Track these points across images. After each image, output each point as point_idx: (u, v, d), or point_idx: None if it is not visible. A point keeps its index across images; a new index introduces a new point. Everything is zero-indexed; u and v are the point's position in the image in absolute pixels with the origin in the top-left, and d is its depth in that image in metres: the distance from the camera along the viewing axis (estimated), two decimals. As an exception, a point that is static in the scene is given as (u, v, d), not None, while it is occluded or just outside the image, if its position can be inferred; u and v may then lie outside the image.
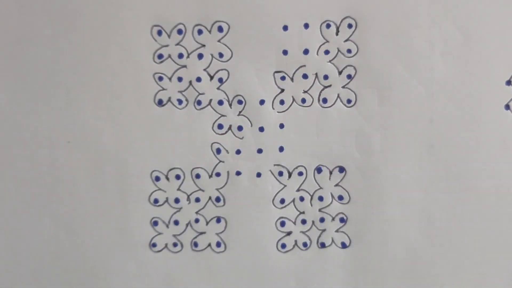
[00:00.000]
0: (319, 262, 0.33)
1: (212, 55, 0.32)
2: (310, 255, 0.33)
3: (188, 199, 0.33)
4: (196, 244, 0.33)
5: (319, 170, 0.33)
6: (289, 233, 0.33)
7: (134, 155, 0.32)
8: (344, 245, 0.33)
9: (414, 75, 0.32)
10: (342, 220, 0.33)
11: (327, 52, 0.32)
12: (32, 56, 0.32)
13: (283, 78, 0.32)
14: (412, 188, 0.33)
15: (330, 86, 0.32)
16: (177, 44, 0.32)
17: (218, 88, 0.32)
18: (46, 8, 0.31)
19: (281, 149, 0.33)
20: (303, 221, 0.33)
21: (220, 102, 0.32)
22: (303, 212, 0.33)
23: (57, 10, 0.31)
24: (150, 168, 0.32)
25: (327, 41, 0.32)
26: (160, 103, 0.32)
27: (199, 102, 0.32)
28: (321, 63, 0.32)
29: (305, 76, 0.32)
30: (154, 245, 0.33)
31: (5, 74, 0.32)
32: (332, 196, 0.33)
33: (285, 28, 0.31)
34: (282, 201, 0.33)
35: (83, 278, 0.33)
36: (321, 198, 0.33)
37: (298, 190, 0.33)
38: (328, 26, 0.31)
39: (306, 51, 0.32)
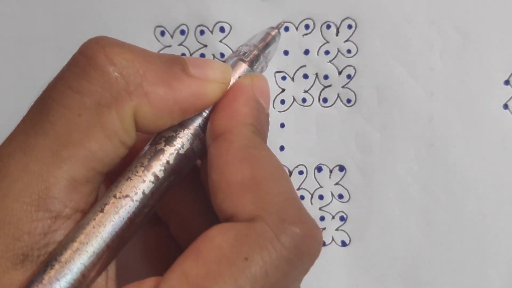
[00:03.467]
0: (319, 261, 0.33)
1: (213, 55, 0.32)
2: (310, 253, 0.34)
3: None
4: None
5: (319, 169, 0.33)
6: (289, 231, 0.33)
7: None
8: (344, 244, 0.34)
9: (413, 75, 0.32)
10: (342, 218, 0.34)
11: (327, 52, 0.32)
12: (36, 57, 0.32)
13: (283, 78, 0.32)
14: (411, 186, 0.33)
15: (330, 86, 0.32)
16: (180, 44, 0.32)
17: (219, 88, 0.32)
18: (49, 9, 0.31)
19: (282, 148, 0.33)
20: (304, 220, 0.33)
21: (222, 102, 0.32)
22: (304, 211, 0.33)
23: (60, 11, 0.31)
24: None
25: (327, 42, 0.32)
26: (162, 102, 0.32)
27: (201, 102, 0.32)
28: (321, 63, 0.32)
29: (305, 76, 0.32)
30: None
31: (8, 75, 0.32)
32: (332, 195, 0.33)
33: (286, 29, 0.32)
34: (283, 199, 0.33)
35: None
36: (321, 197, 0.33)
37: (298, 188, 0.33)
38: (328, 27, 0.32)
39: (306, 52, 0.32)
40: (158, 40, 0.32)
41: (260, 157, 0.21)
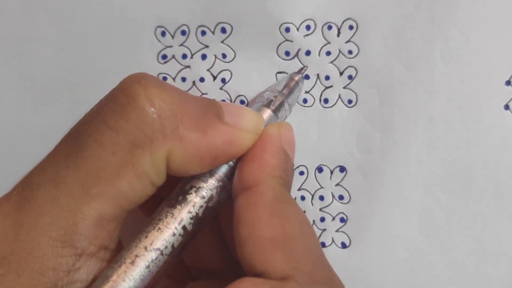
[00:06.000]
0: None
1: (215, 56, 0.32)
2: (311, 254, 0.33)
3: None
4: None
5: (320, 169, 0.33)
6: (290, 232, 0.33)
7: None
8: (344, 245, 0.34)
9: (414, 76, 0.32)
10: (342, 220, 0.34)
11: (328, 53, 0.32)
12: (36, 57, 0.32)
13: (285, 78, 0.32)
14: (412, 187, 0.33)
15: (331, 86, 0.32)
16: (181, 45, 0.32)
17: (221, 88, 0.32)
18: (50, 9, 0.31)
19: (283, 148, 0.33)
20: (304, 220, 0.33)
21: (223, 102, 0.32)
22: (304, 212, 0.33)
23: (61, 11, 0.31)
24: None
25: (329, 43, 0.32)
26: (163, 102, 0.32)
27: (202, 102, 0.32)
28: (323, 64, 0.32)
29: (306, 77, 0.32)
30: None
31: (9, 75, 0.32)
32: (333, 196, 0.33)
33: (287, 30, 0.32)
34: (284, 200, 0.33)
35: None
36: (321, 198, 0.33)
37: (299, 189, 0.33)
38: (330, 27, 0.32)
39: (308, 52, 0.32)
40: (159, 41, 0.32)
41: (289, 213, 0.21)
